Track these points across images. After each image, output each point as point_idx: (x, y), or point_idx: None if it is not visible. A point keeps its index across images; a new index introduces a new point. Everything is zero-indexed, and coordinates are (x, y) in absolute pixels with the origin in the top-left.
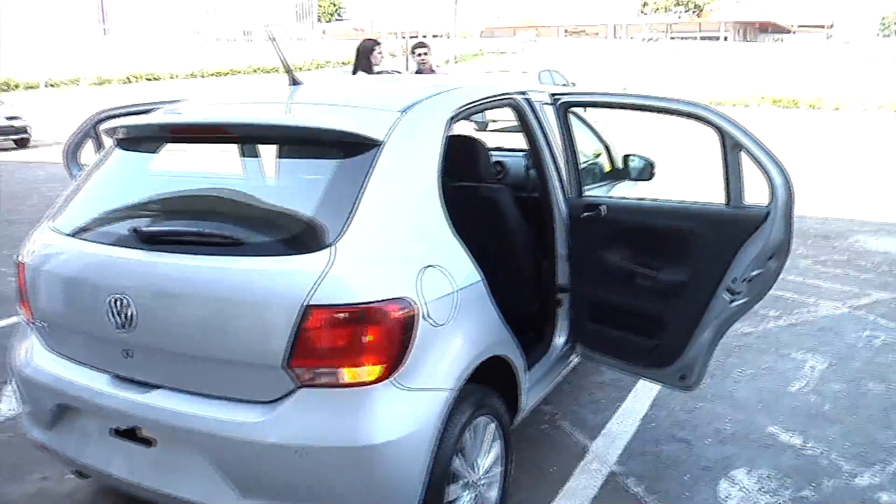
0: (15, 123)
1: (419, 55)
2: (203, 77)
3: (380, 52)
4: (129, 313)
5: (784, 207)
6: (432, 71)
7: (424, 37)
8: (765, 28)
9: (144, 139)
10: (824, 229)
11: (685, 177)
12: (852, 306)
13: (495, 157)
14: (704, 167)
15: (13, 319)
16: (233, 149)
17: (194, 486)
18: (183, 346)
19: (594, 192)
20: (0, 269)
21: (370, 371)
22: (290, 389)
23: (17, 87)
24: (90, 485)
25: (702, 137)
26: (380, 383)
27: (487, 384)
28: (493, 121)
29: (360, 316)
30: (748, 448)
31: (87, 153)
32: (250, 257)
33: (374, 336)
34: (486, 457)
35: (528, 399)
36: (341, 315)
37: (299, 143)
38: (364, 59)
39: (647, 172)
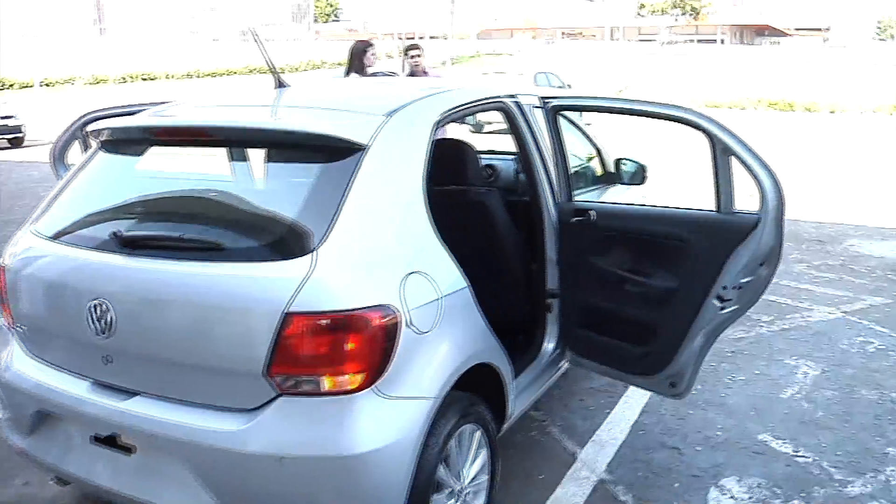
0: (9, 123)
1: (412, 57)
2: (199, 77)
3: (373, 54)
4: (108, 319)
5: (774, 214)
6: (425, 73)
7: (420, 38)
8: (762, 31)
9: (128, 142)
10: (819, 233)
11: (678, 181)
12: (846, 311)
13: (486, 160)
14: (697, 171)
15: None
16: (218, 152)
17: (174, 495)
18: (162, 352)
19: (586, 195)
20: None
21: (352, 379)
22: (270, 397)
23: (11, 86)
24: (72, 491)
25: (695, 142)
26: (362, 391)
27: (474, 391)
28: (489, 123)
29: (342, 323)
30: (739, 455)
31: (75, 154)
32: (231, 263)
33: (356, 344)
34: (472, 465)
35: (516, 406)
36: (322, 322)
37: (282, 146)
38: (357, 61)
39: (639, 177)
